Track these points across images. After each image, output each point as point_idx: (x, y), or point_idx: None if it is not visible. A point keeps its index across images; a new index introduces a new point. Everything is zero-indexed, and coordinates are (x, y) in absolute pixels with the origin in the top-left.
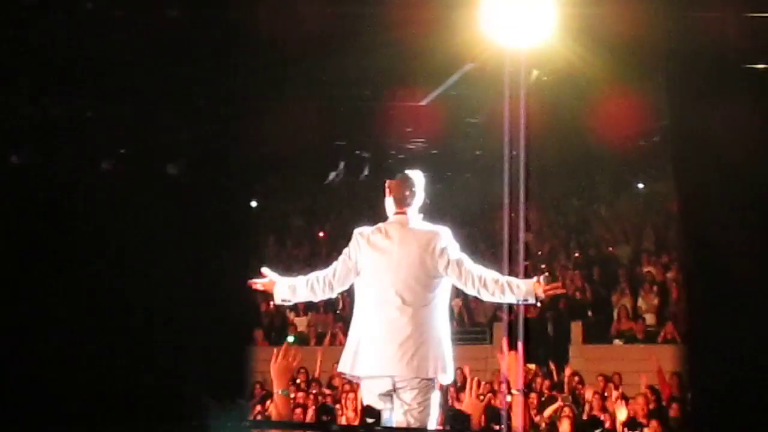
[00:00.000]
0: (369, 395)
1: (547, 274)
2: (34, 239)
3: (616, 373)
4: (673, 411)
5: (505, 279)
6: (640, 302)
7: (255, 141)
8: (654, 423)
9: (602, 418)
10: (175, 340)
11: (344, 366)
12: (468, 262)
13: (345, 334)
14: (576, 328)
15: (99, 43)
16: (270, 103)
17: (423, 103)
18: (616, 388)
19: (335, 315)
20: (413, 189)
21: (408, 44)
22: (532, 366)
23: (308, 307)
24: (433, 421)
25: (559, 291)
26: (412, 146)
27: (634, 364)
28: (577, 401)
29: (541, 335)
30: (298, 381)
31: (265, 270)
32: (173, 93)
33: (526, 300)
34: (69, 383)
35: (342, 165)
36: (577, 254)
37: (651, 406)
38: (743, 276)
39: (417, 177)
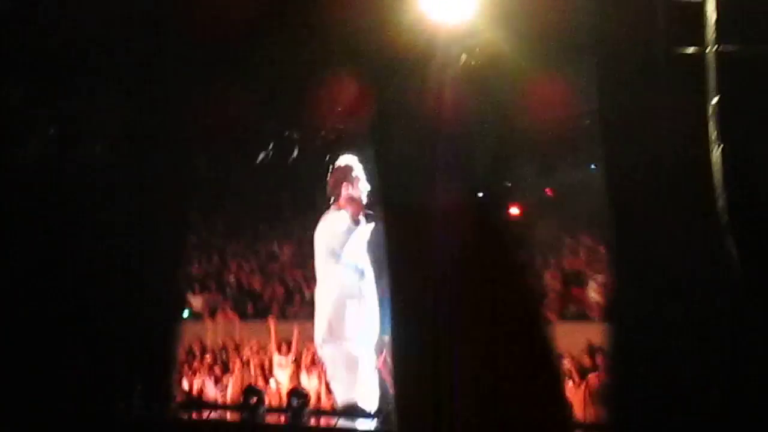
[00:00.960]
0: None
1: None
2: None
3: None
4: None
5: None
6: None
7: (183, 121)
8: None
9: None
10: (102, 322)
11: None
12: None
13: (233, 310)
14: None
15: (25, 22)
16: (198, 83)
17: (353, 84)
18: None
19: (224, 295)
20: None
21: (339, 26)
22: None
23: (202, 288)
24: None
25: None
26: (342, 127)
27: None
28: None
29: None
30: (194, 349)
31: None
32: (100, 74)
33: None
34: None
35: (271, 146)
36: None
37: None
38: (668, 257)
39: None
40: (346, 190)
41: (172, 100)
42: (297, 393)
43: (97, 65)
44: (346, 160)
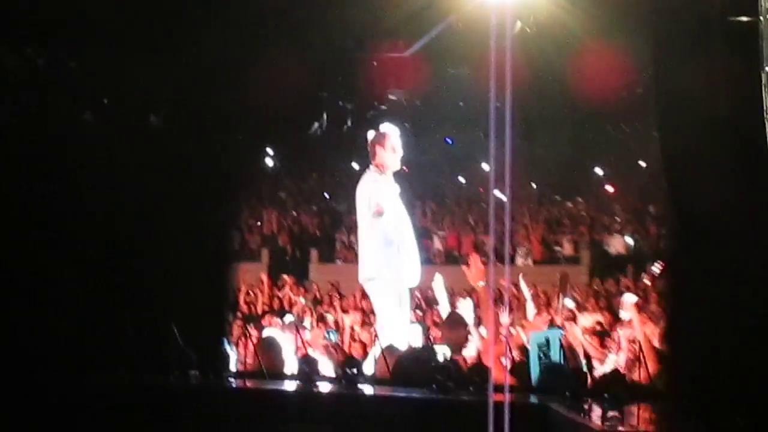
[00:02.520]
0: None
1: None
2: (18, 191)
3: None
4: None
5: None
6: (352, 239)
7: (238, 91)
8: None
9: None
10: (159, 290)
11: None
12: None
13: None
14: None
15: None
16: (253, 53)
17: (406, 54)
18: (338, 291)
19: None
20: None
21: None
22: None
23: None
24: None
25: None
26: (395, 97)
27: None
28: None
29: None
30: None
31: None
32: (155, 43)
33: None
34: (52, 332)
35: (325, 116)
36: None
37: (360, 305)
38: (721, 226)
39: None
40: (380, 154)
41: (223, 68)
42: (350, 362)
43: (151, 37)
44: (384, 128)
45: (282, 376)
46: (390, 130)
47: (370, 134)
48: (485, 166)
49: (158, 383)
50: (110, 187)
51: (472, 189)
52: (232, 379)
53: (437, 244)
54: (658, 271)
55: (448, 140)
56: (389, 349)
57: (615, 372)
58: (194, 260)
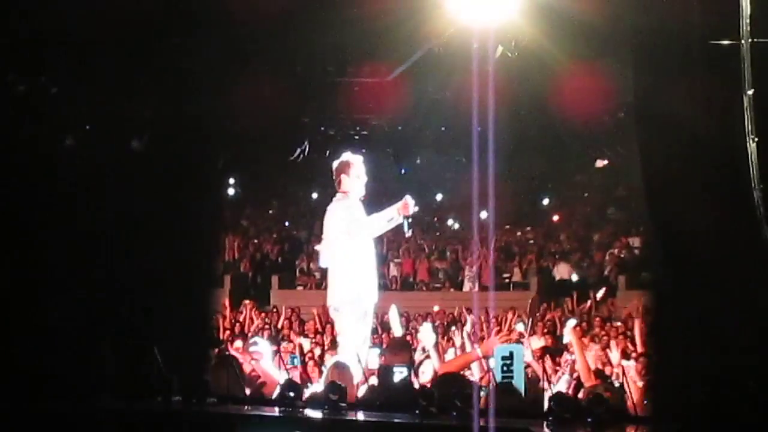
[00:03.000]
0: None
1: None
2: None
3: (298, 306)
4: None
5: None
6: (312, 266)
7: (219, 117)
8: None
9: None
10: (140, 316)
11: None
12: None
13: None
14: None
15: (62, 19)
16: (234, 79)
17: (388, 79)
18: (299, 316)
19: None
20: None
21: (373, 20)
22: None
23: None
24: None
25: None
26: (376, 122)
27: (311, 300)
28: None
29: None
30: None
31: None
32: (137, 69)
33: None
34: (34, 358)
35: (306, 142)
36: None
37: (319, 327)
38: (704, 249)
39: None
40: (345, 181)
41: (208, 95)
42: (332, 387)
43: (133, 63)
44: (347, 156)
45: (265, 401)
46: (354, 158)
47: (335, 163)
48: (439, 196)
49: (141, 409)
50: (90, 214)
51: (427, 217)
52: (214, 405)
53: (393, 270)
54: (600, 296)
55: (403, 170)
56: (337, 366)
57: (597, 395)
58: (176, 286)
